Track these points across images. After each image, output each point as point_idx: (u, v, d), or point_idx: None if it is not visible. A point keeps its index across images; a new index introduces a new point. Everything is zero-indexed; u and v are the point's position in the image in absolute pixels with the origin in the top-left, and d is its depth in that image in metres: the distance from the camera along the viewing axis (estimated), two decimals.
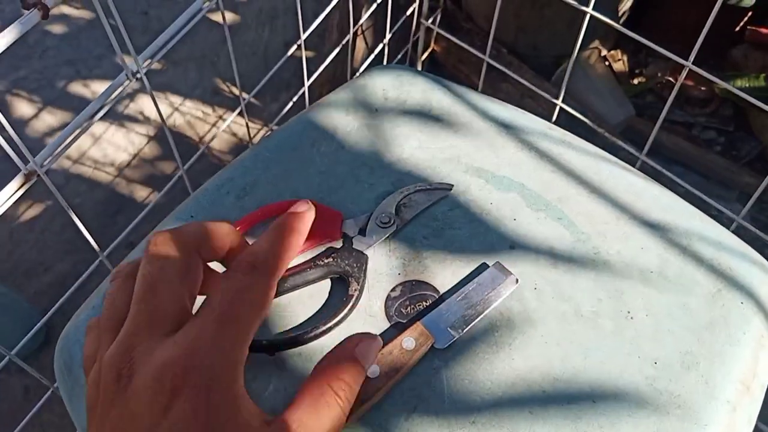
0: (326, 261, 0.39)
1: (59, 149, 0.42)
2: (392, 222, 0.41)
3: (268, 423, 0.27)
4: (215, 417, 0.24)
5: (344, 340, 0.33)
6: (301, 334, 0.36)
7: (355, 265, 0.39)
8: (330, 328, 0.37)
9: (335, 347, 0.32)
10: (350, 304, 0.38)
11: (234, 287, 0.28)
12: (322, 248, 0.41)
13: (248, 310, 0.28)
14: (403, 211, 0.42)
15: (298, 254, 0.40)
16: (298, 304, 0.39)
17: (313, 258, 0.40)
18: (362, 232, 0.41)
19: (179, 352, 0.25)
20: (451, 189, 0.43)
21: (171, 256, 0.28)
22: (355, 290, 0.38)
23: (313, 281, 0.39)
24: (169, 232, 0.29)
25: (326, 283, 0.40)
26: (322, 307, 0.39)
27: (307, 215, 0.34)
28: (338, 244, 0.40)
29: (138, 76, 0.45)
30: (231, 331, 0.26)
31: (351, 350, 0.32)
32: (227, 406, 0.25)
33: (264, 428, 0.27)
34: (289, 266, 0.39)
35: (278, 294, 0.39)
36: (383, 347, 0.36)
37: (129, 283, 0.29)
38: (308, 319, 0.38)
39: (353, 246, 0.40)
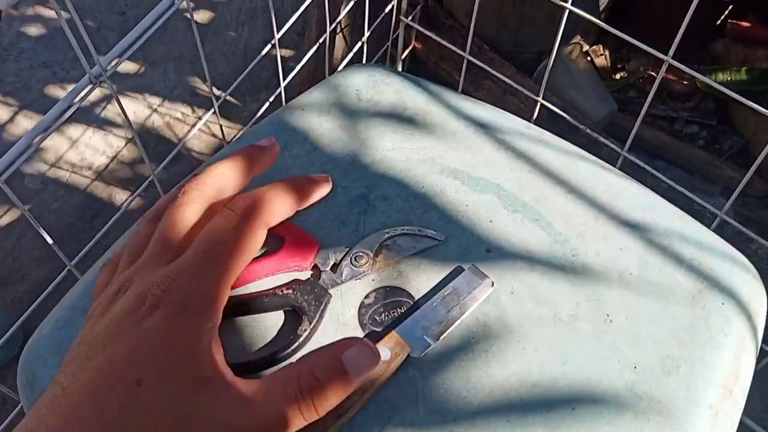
0: (286, 292, 0.37)
1: (20, 156, 0.40)
2: (367, 263, 0.38)
3: (221, 371, 0.27)
4: (177, 339, 0.26)
5: (336, 342, 0.30)
6: (233, 364, 0.34)
7: (313, 302, 0.36)
8: (270, 364, 0.34)
9: (325, 348, 0.30)
10: (295, 345, 0.35)
11: (226, 227, 0.30)
12: (290, 275, 0.38)
13: (231, 251, 0.30)
14: (384, 253, 0.39)
15: (264, 277, 0.38)
16: (248, 332, 0.36)
17: (277, 286, 0.37)
18: (335, 267, 0.38)
19: (165, 276, 0.28)
20: (441, 241, 0.39)
21: (194, 201, 0.32)
22: (305, 330, 0.35)
23: (266, 310, 0.37)
24: (196, 180, 0.33)
25: (282, 315, 0.37)
26: (270, 341, 0.36)
27: (324, 188, 0.38)
28: (306, 275, 0.38)
29: (102, 79, 0.44)
30: (212, 267, 0.29)
31: (338, 355, 0.29)
32: (191, 333, 0.27)
33: (213, 369, 0.27)
34: (248, 291, 0.38)
35: (229, 316, 0.36)
36: None
37: (151, 227, 0.33)
38: (252, 351, 0.36)
39: (319, 281, 0.37)
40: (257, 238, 0.32)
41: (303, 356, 0.30)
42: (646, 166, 0.70)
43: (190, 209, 0.32)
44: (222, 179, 0.34)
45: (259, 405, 0.27)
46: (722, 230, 0.44)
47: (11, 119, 1.27)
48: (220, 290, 0.29)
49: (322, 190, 0.37)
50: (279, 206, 0.34)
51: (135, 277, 0.29)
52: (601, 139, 0.76)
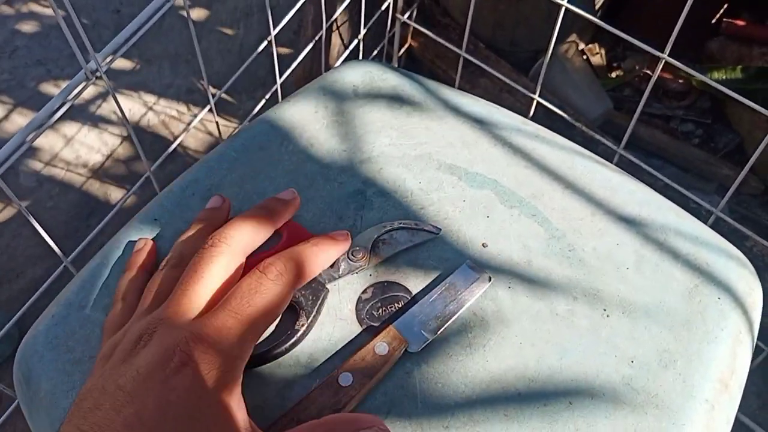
0: None
1: (14, 152, 0.40)
2: (364, 257, 0.38)
3: (245, 429, 0.28)
4: (205, 398, 0.27)
5: (359, 417, 0.31)
6: None
7: (310, 297, 0.37)
8: (267, 360, 0.35)
9: (344, 415, 0.31)
10: (293, 339, 0.35)
11: (259, 291, 0.31)
12: None
13: (263, 316, 0.31)
14: (381, 247, 0.39)
15: None
16: None
17: None
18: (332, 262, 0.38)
19: (195, 334, 0.28)
20: (438, 233, 0.40)
21: (222, 256, 0.33)
22: (303, 325, 0.36)
23: None
24: (224, 234, 0.34)
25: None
26: (268, 336, 0.36)
27: (342, 244, 0.37)
28: None
29: (97, 74, 0.44)
30: (242, 329, 0.30)
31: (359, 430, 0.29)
32: (219, 392, 0.27)
33: (240, 429, 0.28)
34: None
35: None
36: (355, 353, 0.35)
37: (175, 272, 0.34)
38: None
39: (317, 276, 0.37)
40: (287, 301, 0.33)
41: (326, 417, 0.31)
42: (642, 164, 0.70)
43: (217, 264, 0.32)
44: (248, 235, 0.35)
45: None
46: (717, 228, 0.44)
47: (6, 117, 1.26)
48: (246, 351, 0.30)
49: (343, 248, 0.38)
50: (310, 270, 0.35)
51: (159, 327, 0.29)
52: (597, 137, 0.76)
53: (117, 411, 0.26)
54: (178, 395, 0.26)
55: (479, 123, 0.46)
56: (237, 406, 0.28)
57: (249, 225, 0.35)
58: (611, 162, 0.46)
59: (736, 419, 0.36)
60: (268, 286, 0.32)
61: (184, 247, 0.36)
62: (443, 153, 0.44)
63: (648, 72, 1.23)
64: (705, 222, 0.43)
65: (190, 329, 0.28)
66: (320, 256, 0.36)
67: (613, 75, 1.26)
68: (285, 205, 0.39)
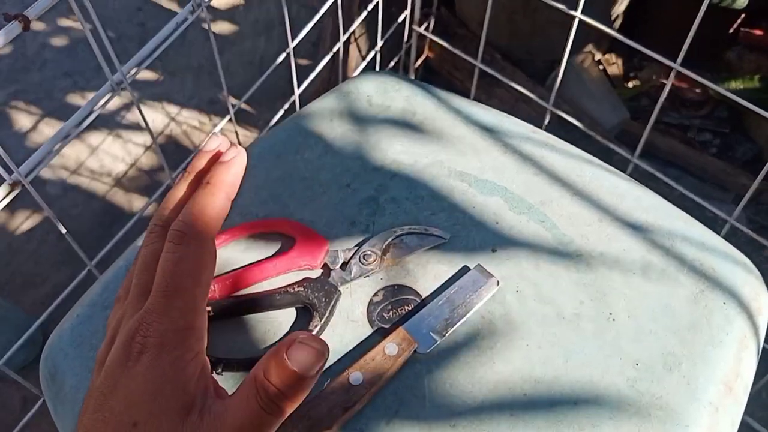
0: (297, 289, 0.38)
1: (43, 160, 0.42)
2: (375, 261, 0.40)
3: (205, 393, 0.30)
4: (162, 376, 0.29)
5: (283, 341, 0.30)
6: (247, 360, 0.36)
7: (323, 299, 0.38)
8: None
9: (273, 347, 0.30)
10: None
11: (171, 260, 0.30)
12: (301, 274, 0.40)
13: (188, 280, 0.30)
14: (392, 251, 0.40)
15: (275, 275, 0.40)
16: (261, 328, 0.38)
17: (287, 284, 0.39)
18: (344, 266, 0.40)
19: (141, 322, 0.29)
20: (447, 239, 0.41)
21: (158, 241, 0.32)
22: (316, 326, 0.37)
23: (278, 307, 0.39)
24: (157, 217, 0.32)
25: (294, 311, 0.39)
26: (282, 336, 0.38)
27: (235, 162, 0.32)
28: (317, 273, 0.40)
29: (123, 86, 0.46)
30: (176, 301, 0.30)
31: (282, 353, 0.29)
32: (173, 366, 0.29)
33: (197, 394, 0.29)
34: (261, 289, 0.39)
35: (242, 313, 0.39)
36: (366, 354, 0.36)
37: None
38: (266, 346, 0.38)
39: (329, 279, 0.39)
40: (207, 255, 0.31)
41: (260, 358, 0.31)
42: (659, 174, 0.71)
43: (156, 249, 0.31)
44: (175, 204, 0.32)
45: (236, 415, 0.29)
46: (734, 238, 0.44)
47: (34, 127, 1.30)
48: (191, 319, 0.30)
49: (239, 165, 0.33)
50: (211, 214, 0.31)
51: (122, 322, 0.31)
52: (612, 146, 0.77)
53: (97, 410, 0.29)
54: (138, 382, 0.28)
55: (489, 132, 0.47)
56: (196, 373, 0.29)
57: (177, 196, 0.33)
58: (626, 171, 0.46)
59: (749, 425, 0.36)
60: (179, 252, 0.30)
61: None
62: (454, 161, 0.45)
63: (665, 82, 1.23)
64: (721, 231, 0.43)
65: (138, 319, 0.30)
66: (218, 193, 0.32)
67: (630, 85, 1.26)
68: (228, 168, 0.32)
